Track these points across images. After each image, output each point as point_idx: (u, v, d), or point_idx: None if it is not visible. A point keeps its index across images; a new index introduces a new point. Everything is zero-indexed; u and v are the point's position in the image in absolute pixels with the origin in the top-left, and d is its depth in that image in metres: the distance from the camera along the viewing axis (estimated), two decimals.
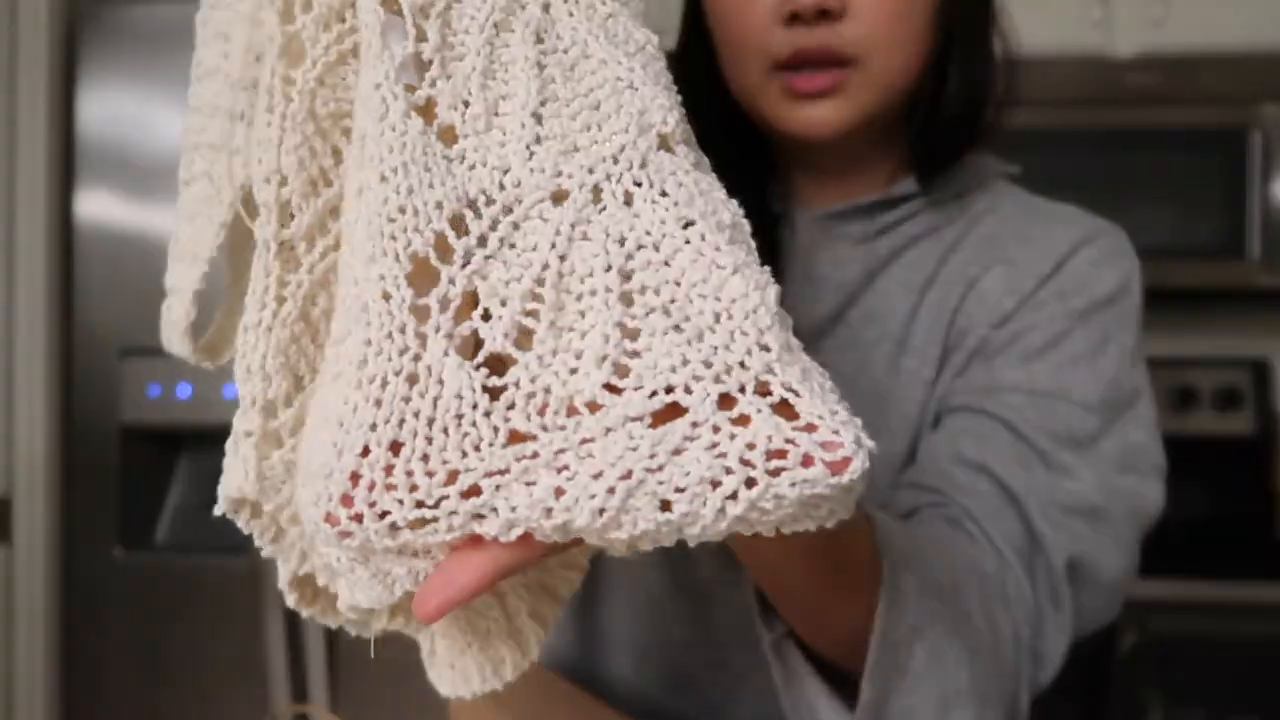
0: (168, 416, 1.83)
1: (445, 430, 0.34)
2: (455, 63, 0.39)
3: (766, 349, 0.36)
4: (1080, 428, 0.66)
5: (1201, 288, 2.03)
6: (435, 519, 0.33)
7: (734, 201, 0.40)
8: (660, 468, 0.34)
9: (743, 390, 0.35)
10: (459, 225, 0.37)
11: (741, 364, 0.36)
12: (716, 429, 0.34)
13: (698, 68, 0.76)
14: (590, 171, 0.38)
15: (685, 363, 0.35)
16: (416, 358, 0.35)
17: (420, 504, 0.34)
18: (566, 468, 0.34)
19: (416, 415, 0.35)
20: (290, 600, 0.47)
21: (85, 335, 1.85)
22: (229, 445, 0.43)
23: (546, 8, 0.41)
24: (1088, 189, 1.97)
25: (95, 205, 1.85)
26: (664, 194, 0.38)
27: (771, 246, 0.76)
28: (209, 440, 1.88)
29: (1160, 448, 0.70)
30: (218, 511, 0.44)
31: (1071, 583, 0.63)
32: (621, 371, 0.35)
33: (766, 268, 0.39)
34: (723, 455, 0.34)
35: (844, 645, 0.55)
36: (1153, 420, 0.70)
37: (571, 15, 0.42)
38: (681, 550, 0.79)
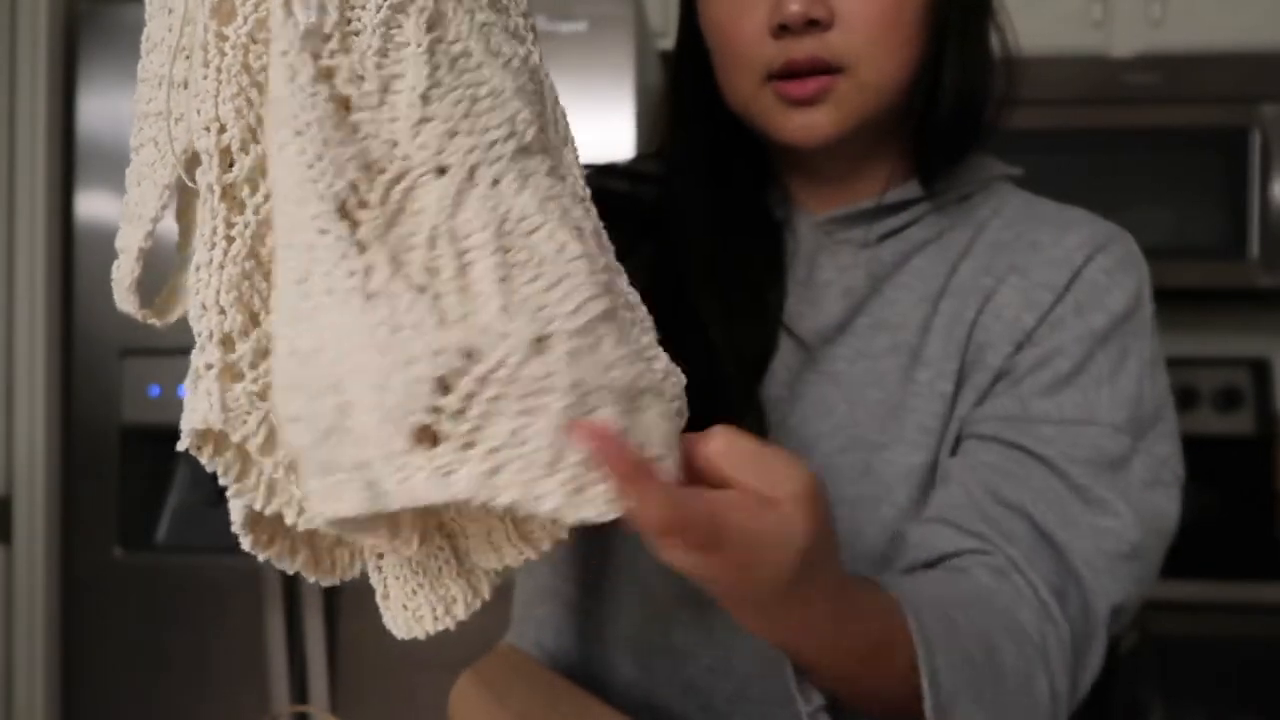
0: (168, 416, 1.82)
1: (412, 339, 0.41)
2: (353, 38, 0.43)
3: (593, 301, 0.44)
4: (1113, 449, 0.67)
5: (1201, 288, 2.03)
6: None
7: (584, 206, 0.47)
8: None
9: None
10: (368, 177, 0.42)
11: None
12: None
13: (694, 78, 0.76)
14: (469, 153, 0.43)
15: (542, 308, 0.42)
16: (366, 278, 0.41)
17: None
18: None
19: (383, 325, 0.40)
20: (245, 543, 0.49)
21: (85, 335, 1.85)
22: (187, 382, 0.45)
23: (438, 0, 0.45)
24: (1088, 189, 1.97)
25: (95, 205, 1.85)
26: (524, 187, 0.44)
27: (774, 252, 0.76)
28: None
29: (1181, 457, 0.71)
30: (181, 447, 0.45)
31: (1110, 624, 0.65)
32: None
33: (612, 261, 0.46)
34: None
35: (879, 711, 0.58)
36: (1176, 430, 0.71)
37: (456, 14, 0.45)
38: None
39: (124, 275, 0.49)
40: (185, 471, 1.92)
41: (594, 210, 0.49)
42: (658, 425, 0.45)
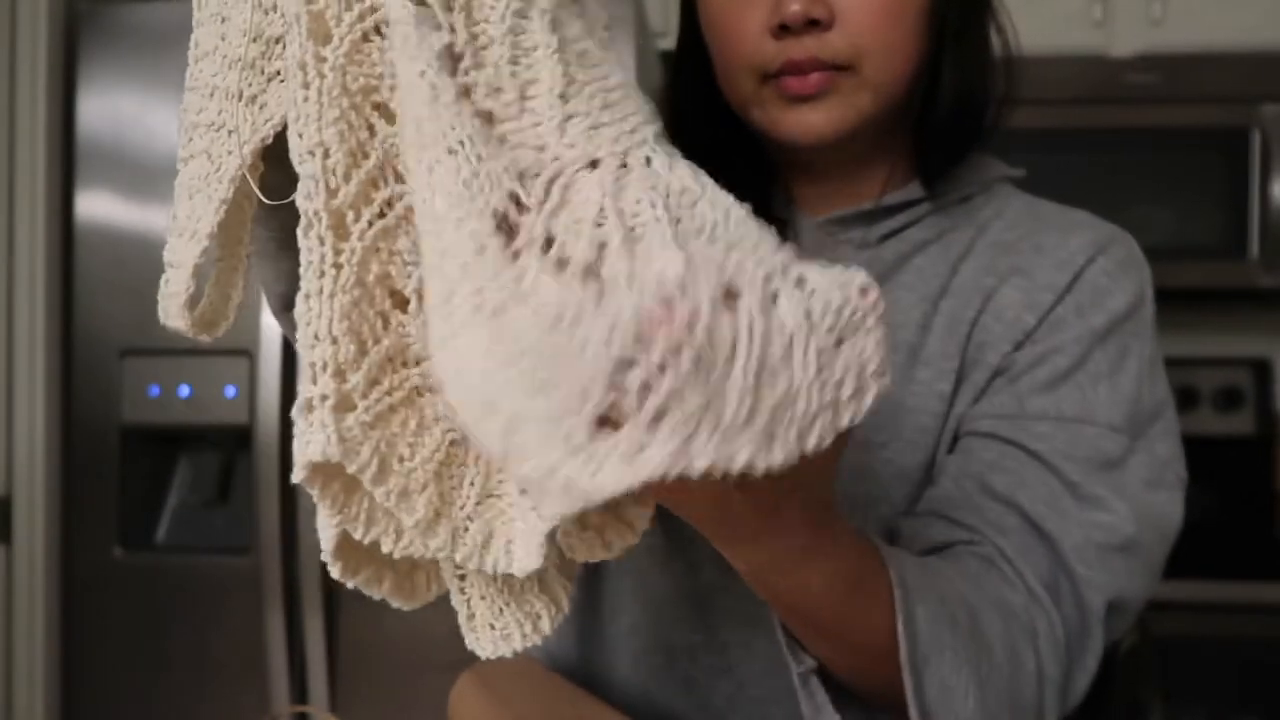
0: (168, 416, 1.82)
1: (577, 330, 0.38)
2: (483, 51, 0.43)
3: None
4: (1110, 449, 0.66)
5: (1202, 288, 2.03)
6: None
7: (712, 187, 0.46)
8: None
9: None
10: (523, 183, 0.41)
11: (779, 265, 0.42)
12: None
13: (694, 78, 0.76)
14: (615, 142, 0.43)
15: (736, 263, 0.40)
16: (517, 282, 0.39)
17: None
18: None
19: (542, 326, 0.38)
20: (335, 570, 0.48)
21: (85, 335, 1.85)
22: (296, 413, 0.44)
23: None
24: (1088, 189, 1.97)
25: (95, 205, 1.85)
26: (675, 164, 0.44)
27: None
28: (209, 440, 1.89)
29: (1183, 458, 0.70)
30: (295, 479, 0.44)
31: (1107, 619, 0.64)
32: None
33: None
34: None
35: (867, 668, 0.56)
36: (1176, 430, 0.70)
37: (569, 15, 0.45)
38: (685, 553, 0.79)
39: (178, 291, 0.48)
40: (185, 471, 1.92)
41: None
42: (866, 346, 0.42)
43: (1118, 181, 2.00)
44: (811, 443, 0.40)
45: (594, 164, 0.42)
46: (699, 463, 0.38)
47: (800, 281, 0.42)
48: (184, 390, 1.80)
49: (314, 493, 0.45)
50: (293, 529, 1.76)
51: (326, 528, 0.47)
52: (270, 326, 1.74)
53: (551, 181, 0.42)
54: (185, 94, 0.48)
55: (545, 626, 0.53)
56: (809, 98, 0.69)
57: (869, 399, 0.42)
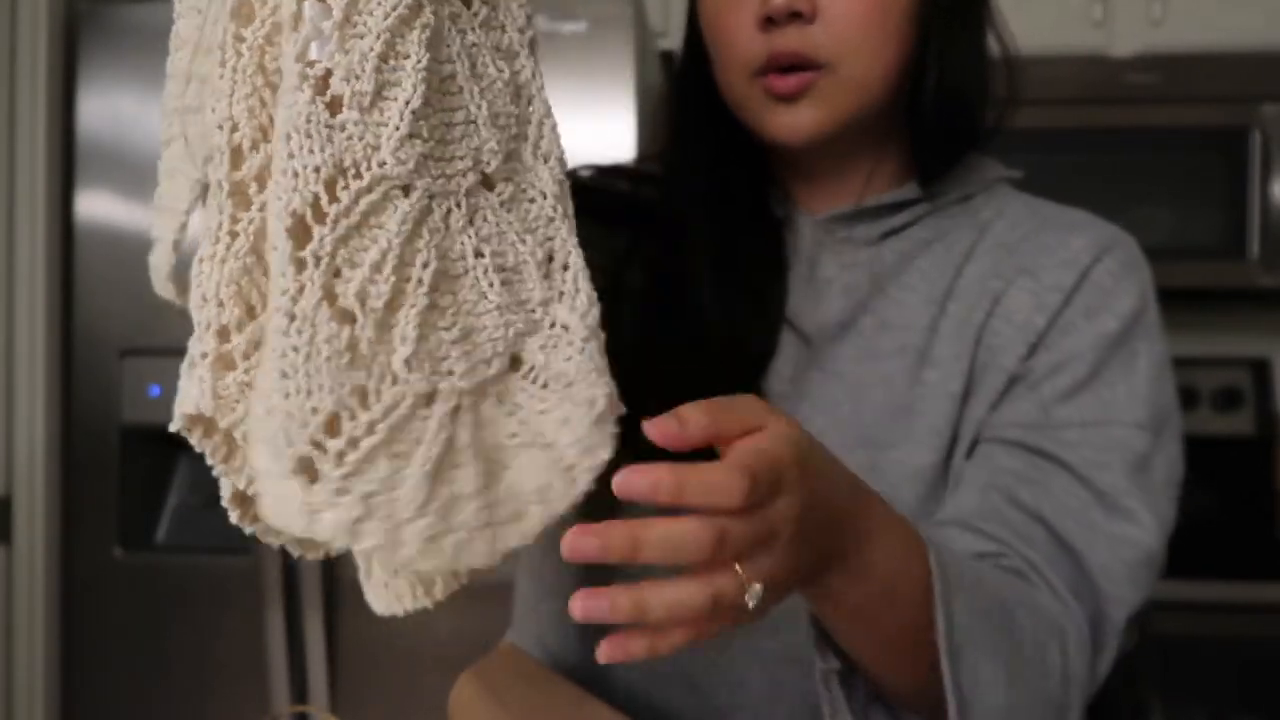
0: (168, 416, 1.81)
1: (320, 369, 0.42)
2: (355, 40, 0.44)
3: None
4: (1139, 446, 0.67)
5: (1201, 288, 2.03)
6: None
7: (542, 234, 0.49)
8: None
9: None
10: (332, 189, 0.43)
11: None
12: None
13: (697, 80, 0.78)
14: (435, 179, 0.46)
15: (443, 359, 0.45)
16: (294, 301, 0.42)
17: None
18: None
19: (295, 350, 0.42)
20: (233, 516, 0.50)
21: (85, 335, 1.85)
22: (183, 368, 0.47)
23: (443, 17, 0.47)
24: (1088, 189, 1.97)
25: (95, 205, 1.85)
26: (470, 223, 0.47)
27: (775, 249, 0.77)
28: None
29: (1182, 458, 0.71)
30: (172, 428, 0.47)
31: (1125, 629, 0.65)
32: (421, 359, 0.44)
33: (538, 315, 0.48)
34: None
35: (899, 664, 0.57)
36: (1181, 431, 0.72)
37: (450, 34, 0.47)
38: None
39: (161, 264, 0.51)
40: (185, 471, 1.92)
41: (562, 228, 0.50)
42: (532, 478, 0.47)
43: (1118, 181, 2.00)
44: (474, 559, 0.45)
45: (407, 190, 0.45)
46: (365, 543, 0.43)
47: (503, 400, 0.46)
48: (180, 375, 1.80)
49: (194, 442, 0.48)
50: None
51: (222, 478, 0.49)
52: None
53: (365, 192, 0.44)
54: (166, 81, 0.52)
55: (438, 592, 0.54)
56: (791, 98, 0.70)
57: (534, 522, 0.46)
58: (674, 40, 2.24)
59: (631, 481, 0.41)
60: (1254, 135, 1.97)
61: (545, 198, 0.50)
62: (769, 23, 0.69)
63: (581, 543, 0.42)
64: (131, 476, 1.86)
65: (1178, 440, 0.71)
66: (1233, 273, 2.00)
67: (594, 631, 0.78)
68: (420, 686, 1.74)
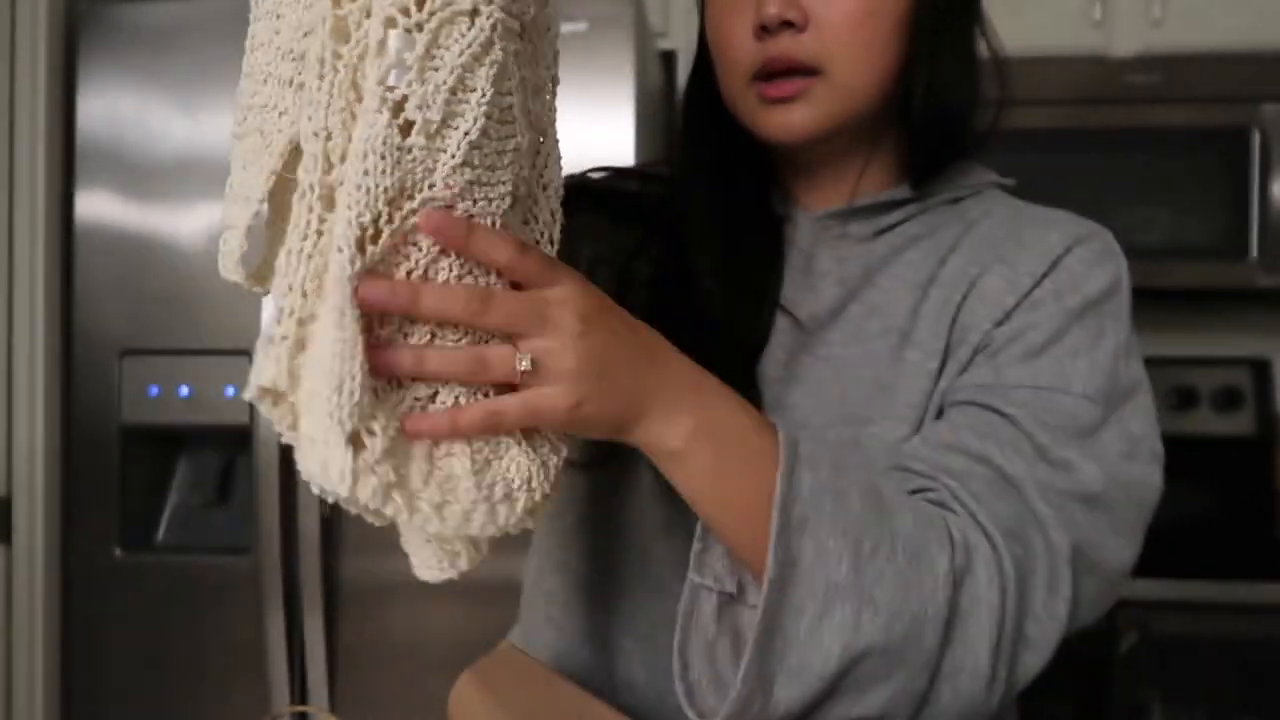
0: (168, 416, 1.82)
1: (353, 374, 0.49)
2: (431, 71, 0.49)
3: None
4: (1083, 417, 0.68)
5: (1201, 288, 2.03)
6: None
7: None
8: None
9: None
10: (393, 208, 0.49)
11: None
12: None
13: (703, 84, 0.81)
14: (475, 203, 0.51)
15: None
16: (341, 313, 0.48)
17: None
18: None
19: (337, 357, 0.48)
20: (315, 489, 0.55)
21: (85, 335, 1.85)
22: (259, 344, 0.52)
23: (509, 53, 0.51)
24: (1087, 189, 1.98)
25: (95, 205, 1.85)
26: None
27: (775, 245, 0.80)
28: (209, 440, 1.89)
29: (1158, 437, 0.72)
30: (246, 396, 0.53)
31: (1074, 569, 0.64)
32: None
33: None
34: None
35: (745, 526, 0.60)
36: (1151, 411, 0.72)
37: (512, 72, 0.52)
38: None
39: (233, 249, 0.56)
40: (185, 471, 1.92)
41: (550, 251, 0.57)
42: (517, 471, 0.55)
43: (1118, 181, 2.00)
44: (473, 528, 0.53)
45: (450, 209, 0.51)
46: (399, 514, 0.53)
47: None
48: (184, 390, 1.80)
49: (263, 409, 0.53)
50: (293, 529, 1.76)
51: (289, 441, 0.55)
52: None
53: (414, 213, 0.50)
54: (241, 79, 0.55)
55: (463, 564, 0.58)
56: (785, 100, 0.73)
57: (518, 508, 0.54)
58: (674, 40, 2.25)
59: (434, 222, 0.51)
60: (1254, 135, 1.98)
61: (537, 221, 0.57)
62: (764, 31, 0.72)
63: (371, 290, 0.49)
64: (131, 476, 1.86)
65: (1145, 418, 0.71)
66: (1233, 273, 2.00)
67: (598, 634, 0.78)
68: (420, 686, 1.74)
